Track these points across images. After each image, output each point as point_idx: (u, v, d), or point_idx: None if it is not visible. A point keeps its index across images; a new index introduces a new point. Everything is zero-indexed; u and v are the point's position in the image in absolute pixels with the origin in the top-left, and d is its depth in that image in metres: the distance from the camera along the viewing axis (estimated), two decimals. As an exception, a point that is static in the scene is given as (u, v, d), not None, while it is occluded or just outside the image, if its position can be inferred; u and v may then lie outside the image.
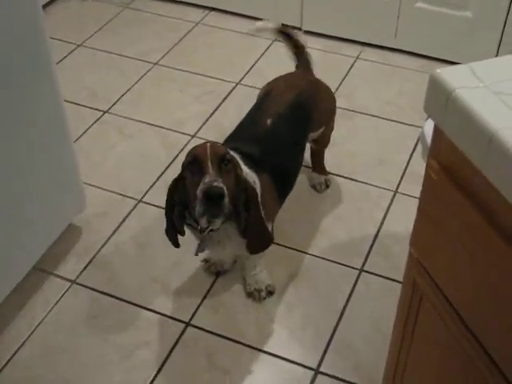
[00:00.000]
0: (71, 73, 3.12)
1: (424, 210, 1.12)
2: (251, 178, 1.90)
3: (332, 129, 2.42)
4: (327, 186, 2.51)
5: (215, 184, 1.68)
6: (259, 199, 1.88)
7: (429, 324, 1.22)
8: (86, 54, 3.28)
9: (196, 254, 1.98)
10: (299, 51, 2.39)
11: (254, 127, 2.11)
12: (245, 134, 2.11)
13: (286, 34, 2.38)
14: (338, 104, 2.43)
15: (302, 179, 2.50)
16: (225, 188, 1.70)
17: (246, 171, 1.90)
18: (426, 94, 0.99)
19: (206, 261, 2.20)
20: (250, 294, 2.13)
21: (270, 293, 2.14)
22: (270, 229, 1.99)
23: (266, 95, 2.21)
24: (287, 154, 2.11)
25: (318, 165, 2.50)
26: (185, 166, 1.80)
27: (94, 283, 2.18)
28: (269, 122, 2.09)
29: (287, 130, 2.11)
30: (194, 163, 1.76)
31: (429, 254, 1.14)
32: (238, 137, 2.11)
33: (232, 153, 1.87)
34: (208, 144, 1.79)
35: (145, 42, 3.35)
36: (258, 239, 1.91)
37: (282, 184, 2.08)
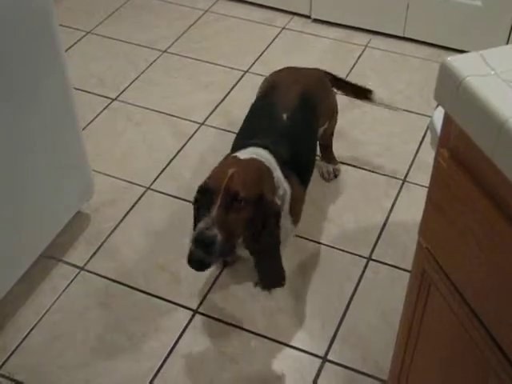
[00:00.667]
0: (80, 60, 3.12)
1: (433, 198, 1.12)
2: (283, 190, 1.88)
3: (336, 121, 2.43)
4: (336, 175, 2.50)
5: (206, 233, 1.65)
6: (281, 217, 1.82)
7: (437, 313, 1.22)
8: (95, 41, 3.28)
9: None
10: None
11: (273, 123, 2.07)
12: (266, 130, 2.06)
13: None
14: (346, 92, 2.44)
15: (311, 168, 2.50)
16: (217, 237, 1.65)
17: (281, 182, 1.88)
18: (437, 82, 0.99)
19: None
20: (257, 284, 2.13)
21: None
22: (296, 225, 2.01)
23: (273, 88, 2.20)
24: (307, 150, 2.11)
25: (327, 154, 2.49)
26: (198, 190, 1.78)
27: (103, 270, 2.19)
28: (285, 116, 2.07)
29: (304, 125, 2.11)
30: (205, 193, 1.73)
31: (438, 242, 1.14)
32: (259, 133, 2.05)
33: (266, 154, 1.88)
34: (229, 173, 1.71)
35: (154, 29, 3.35)
36: (271, 275, 1.92)
37: (304, 181, 2.07)
